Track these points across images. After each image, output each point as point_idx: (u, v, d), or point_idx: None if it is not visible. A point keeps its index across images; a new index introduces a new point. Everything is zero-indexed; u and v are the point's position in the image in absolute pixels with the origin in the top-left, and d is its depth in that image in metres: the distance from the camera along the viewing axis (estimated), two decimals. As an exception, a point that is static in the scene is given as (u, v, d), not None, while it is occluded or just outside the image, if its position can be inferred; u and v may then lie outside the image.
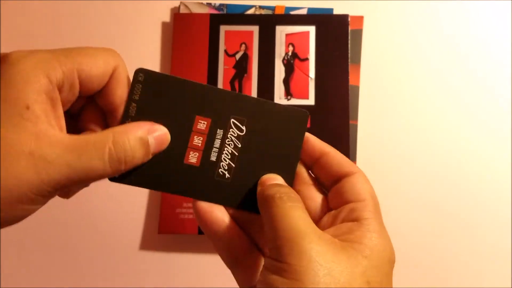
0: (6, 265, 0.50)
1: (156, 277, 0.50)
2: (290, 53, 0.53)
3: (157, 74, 0.26)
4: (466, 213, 0.51)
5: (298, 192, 0.27)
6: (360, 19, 0.55)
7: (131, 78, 0.26)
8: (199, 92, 0.27)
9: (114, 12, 0.56)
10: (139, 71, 0.26)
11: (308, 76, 0.52)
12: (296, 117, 0.28)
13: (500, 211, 0.51)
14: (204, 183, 0.27)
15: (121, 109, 0.26)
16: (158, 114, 0.26)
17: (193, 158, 0.26)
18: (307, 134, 0.28)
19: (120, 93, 0.26)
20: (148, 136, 0.25)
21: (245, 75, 0.52)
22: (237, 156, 0.27)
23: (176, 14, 0.55)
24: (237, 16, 0.54)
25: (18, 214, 0.23)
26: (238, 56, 0.53)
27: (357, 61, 0.54)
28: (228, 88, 0.51)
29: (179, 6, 0.55)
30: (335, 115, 0.51)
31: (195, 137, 0.26)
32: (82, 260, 0.51)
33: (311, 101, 0.52)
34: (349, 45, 0.53)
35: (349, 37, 0.53)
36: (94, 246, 0.51)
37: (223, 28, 0.54)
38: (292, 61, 0.53)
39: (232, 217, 0.27)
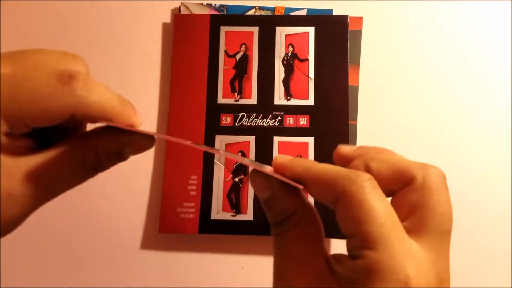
0: (6, 265, 0.50)
1: (157, 276, 0.50)
2: (289, 54, 0.53)
3: None
4: (466, 213, 0.52)
5: None
6: (359, 20, 0.55)
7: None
8: None
9: (115, 13, 0.56)
10: None
11: (307, 76, 0.53)
12: None
13: (500, 211, 0.52)
14: None
15: None
16: None
17: None
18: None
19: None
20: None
21: (245, 75, 0.52)
22: None
23: (176, 15, 0.55)
24: (237, 17, 0.55)
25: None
26: (238, 57, 0.53)
27: (357, 62, 0.54)
28: (228, 88, 0.52)
29: (180, 7, 0.55)
30: (334, 115, 0.52)
31: None
32: (83, 259, 0.51)
33: (310, 101, 0.52)
34: (348, 46, 0.53)
35: (349, 38, 0.53)
36: (95, 245, 0.51)
37: (223, 29, 0.54)
38: (291, 62, 0.53)
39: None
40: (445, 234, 0.24)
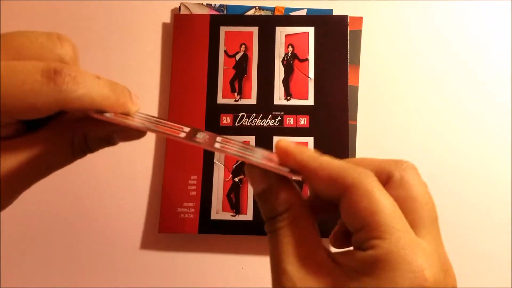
0: (6, 265, 0.50)
1: (157, 276, 0.50)
2: (289, 54, 0.53)
3: None
4: (466, 213, 0.51)
5: None
6: (359, 20, 0.55)
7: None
8: None
9: (115, 13, 0.56)
10: None
11: (307, 76, 0.53)
12: None
13: (500, 211, 0.52)
14: None
15: None
16: None
17: None
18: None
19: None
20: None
21: (245, 75, 0.52)
22: None
23: (176, 15, 0.55)
24: (237, 17, 0.55)
25: None
26: (238, 57, 0.53)
27: (356, 62, 0.54)
28: (228, 88, 0.52)
29: (180, 7, 0.55)
30: (334, 115, 0.52)
31: None
32: (83, 259, 0.51)
33: (310, 101, 0.52)
34: (348, 46, 0.53)
35: (348, 38, 0.53)
36: (94, 245, 0.51)
37: (223, 29, 0.54)
38: (291, 62, 0.53)
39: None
40: (435, 222, 0.24)
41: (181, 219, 0.50)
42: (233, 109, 0.51)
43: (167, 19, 0.56)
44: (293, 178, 0.22)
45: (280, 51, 0.53)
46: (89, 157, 0.25)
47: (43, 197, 0.51)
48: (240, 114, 0.51)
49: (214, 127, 0.51)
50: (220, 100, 0.52)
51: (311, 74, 0.53)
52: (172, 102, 0.52)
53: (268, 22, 0.54)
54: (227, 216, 0.50)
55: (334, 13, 0.55)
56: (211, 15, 0.54)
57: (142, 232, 0.51)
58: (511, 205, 0.51)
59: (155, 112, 0.54)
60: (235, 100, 0.51)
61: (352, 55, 0.54)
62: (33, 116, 0.21)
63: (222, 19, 0.54)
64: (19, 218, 0.51)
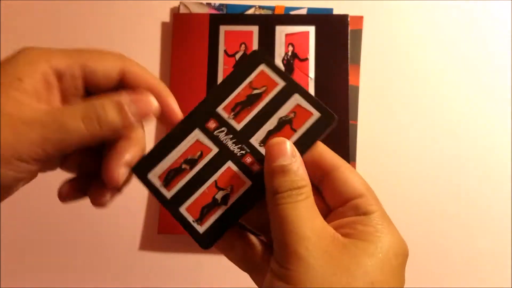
0: (6, 265, 0.50)
1: (156, 277, 0.50)
2: (289, 53, 0.53)
3: None
4: (466, 213, 0.51)
5: None
6: (359, 19, 0.55)
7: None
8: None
9: (114, 12, 0.56)
10: None
11: (308, 76, 0.52)
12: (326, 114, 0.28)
13: (500, 212, 0.51)
14: None
15: None
16: None
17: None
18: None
19: (144, 86, 0.27)
20: (124, 100, 0.25)
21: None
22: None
23: (175, 14, 0.55)
24: (237, 16, 0.54)
25: None
26: (238, 56, 0.53)
27: (357, 61, 0.54)
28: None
29: (179, 6, 0.55)
30: (334, 115, 0.51)
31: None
32: (82, 260, 0.51)
33: (310, 101, 0.52)
34: (348, 45, 0.53)
35: (349, 37, 0.53)
36: (94, 246, 0.51)
37: (223, 28, 0.54)
38: (291, 61, 0.53)
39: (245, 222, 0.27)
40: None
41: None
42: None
43: (167, 18, 0.56)
44: None
45: (280, 51, 0.53)
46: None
47: (43, 198, 0.51)
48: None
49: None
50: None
51: (312, 73, 0.52)
52: (172, 102, 0.52)
53: (268, 21, 0.54)
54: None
55: (334, 12, 0.54)
56: (211, 14, 0.54)
57: (141, 233, 0.51)
58: (511, 205, 0.51)
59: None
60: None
61: (353, 55, 0.54)
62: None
63: (221, 18, 0.54)
64: (19, 218, 0.51)
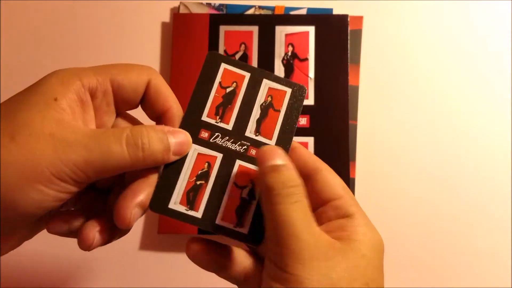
0: (6, 265, 0.50)
1: (156, 277, 0.50)
2: (289, 53, 0.53)
3: None
4: (466, 213, 0.51)
5: None
6: (359, 19, 0.55)
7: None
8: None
9: (114, 12, 0.56)
10: None
11: (307, 76, 0.52)
12: (296, 90, 0.30)
13: (500, 211, 0.51)
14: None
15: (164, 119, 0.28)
16: None
17: None
18: None
19: (162, 102, 0.28)
20: (168, 135, 0.26)
21: (245, 75, 0.52)
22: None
23: (175, 14, 0.55)
24: (237, 16, 0.54)
25: (36, 197, 0.22)
26: (237, 56, 0.53)
27: (357, 61, 0.54)
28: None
29: (179, 6, 0.55)
30: (334, 115, 0.51)
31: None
32: (82, 260, 0.51)
33: (310, 101, 0.52)
34: (348, 45, 0.53)
35: (349, 37, 0.53)
36: (94, 246, 0.51)
37: (223, 28, 0.54)
38: (291, 61, 0.53)
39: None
40: None
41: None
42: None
43: (167, 18, 0.56)
44: None
45: (280, 51, 0.53)
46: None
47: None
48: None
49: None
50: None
51: (311, 73, 0.52)
52: (172, 102, 0.52)
53: (268, 22, 0.54)
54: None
55: (334, 12, 0.54)
56: (211, 14, 0.54)
57: (142, 233, 0.51)
58: (511, 205, 0.51)
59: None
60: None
61: (353, 55, 0.54)
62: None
63: (221, 18, 0.54)
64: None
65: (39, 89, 0.24)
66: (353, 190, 0.51)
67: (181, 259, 0.51)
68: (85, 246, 0.26)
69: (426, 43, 0.55)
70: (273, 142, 0.29)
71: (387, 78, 0.54)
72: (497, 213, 0.51)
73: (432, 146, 0.53)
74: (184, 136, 0.27)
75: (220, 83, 0.29)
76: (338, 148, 0.51)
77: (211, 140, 0.28)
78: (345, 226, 0.26)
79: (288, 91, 0.30)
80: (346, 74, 0.52)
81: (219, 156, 0.28)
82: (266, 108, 0.29)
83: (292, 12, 0.54)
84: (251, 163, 0.28)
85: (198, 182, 0.27)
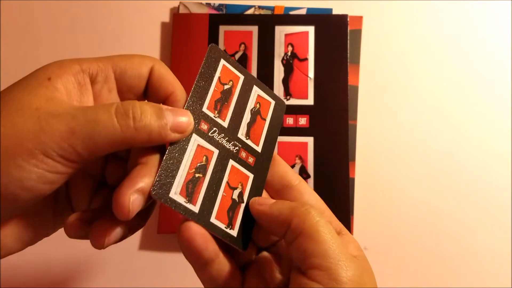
0: (6, 265, 0.50)
1: (156, 276, 0.50)
2: (289, 53, 0.53)
3: None
4: (466, 213, 0.51)
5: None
6: (359, 19, 0.55)
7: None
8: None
9: (114, 12, 0.56)
10: None
11: (307, 76, 0.52)
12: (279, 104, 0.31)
13: (500, 211, 0.51)
14: None
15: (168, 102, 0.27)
16: None
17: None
18: None
19: (166, 86, 0.27)
20: (166, 111, 0.24)
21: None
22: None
23: (175, 14, 0.55)
24: (236, 16, 0.54)
25: (16, 174, 0.20)
26: (237, 56, 0.53)
27: (356, 61, 0.54)
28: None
29: (179, 6, 0.55)
30: (334, 115, 0.51)
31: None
32: (82, 259, 0.51)
33: (310, 101, 0.52)
34: (348, 45, 0.53)
35: (348, 37, 0.53)
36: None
37: (223, 28, 0.54)
38: (291, 61, 0.53)
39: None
40: None
41: (180, 219, 0.50)
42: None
43: (166, 18, 0.56)
44: None
45: (279, 51, 0.53)
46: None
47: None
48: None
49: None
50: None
51: (311, 73, 0.52)
52: (171, 102, 0.52)
53: (267, 22, 0.54)
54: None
55: (334, 12, 0.54)
56: (210, 14, 0.54)
57: (141, 232, 0.51)
58: (511, 205, 0.51)
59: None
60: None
61: (352, 55, 0.54)
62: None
63: (221, 18, 0.54)
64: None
65: (36, 72, 0.23)
66: (352, 190, 0.51)
67: (181, 259, 0.51)
68: (98, 244, 0.24)
69: (425, 43, 0.55)
70: (259, 148, 0.29)
71: (387, 78, 0.54)
72: (497, 213, 0.51)
73: (432, 146, 0.53)
74: (185, 113, 0.25)
75: (219, 78, 0.28)
76: (337, 148, 0.51)
77: (209, 134, 0.27)
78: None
79: (272, 103, 0.30)
80: (346, 74, 0.52)
81: (216, 152, 0.27)
82: (255, 114, 0.29)
83: (291, 12, 0.54)
84: (241, 166, 0.28)
85: (197, 175, 0.26)
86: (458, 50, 0.55)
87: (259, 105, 0.30)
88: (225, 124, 0.28)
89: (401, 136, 0.53)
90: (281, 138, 0.50)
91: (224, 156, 0.27)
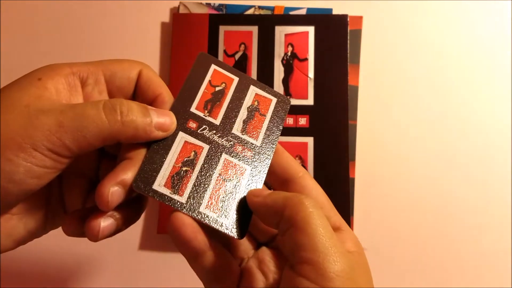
0: (6, 265, 0.50)
1: (156, 277, 0.50)
2: (289, 53, 0.53)
3: None
4: (466, 213, 0.51)
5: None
6: (359, 19, 0.55)
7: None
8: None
9: (114, 12, 0.56)
10: None
11: (307, 76, 0.52)
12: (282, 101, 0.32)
13: (500, 211, 0.51)
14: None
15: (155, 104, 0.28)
16: None
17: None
18: None
19: (153, 88, 0.28)
20: (151, 111, 0.25)
21: (244, 75, 0.52)
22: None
23: (175, 14, 0.55)
24: (237, 16, 0.54)
25: (5, 168, 0.21)
26: (237, 56, 0.53)
27: (356, 61, 0.54)
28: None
29: (179, 6, 0.55)
30: (334, 115, 0.51)
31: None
32: (82, 259, 0.51)
33: (310, 101, 0.52)
34: (348, 45, 0.53)
35: (348, 37, 0.53)
36: (93, 246, 0.51)
37: (223, 28, 0.54)
38: (291, 61, 0.53)
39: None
40: None
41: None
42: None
43: (166, 18, 0.56)
44: None
45: (279, 51, 0.53)
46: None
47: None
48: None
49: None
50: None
51: (311, 73, 0.52)
52: (171, 102, 0.52)
53: (267, 22, 0.54)
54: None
55: (334, 12, 0.54)
56: (210, 14, 0.54)
57: (141, 233, 0.51)
58: (511, 205, 0.51)
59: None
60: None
61: (352, 55, 0.54)
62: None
63: (221, 18, 0.54)
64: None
65: (28, 74, 0.24)
66: (352, 190, 0.51)
67: (181, 259, 0.51)
68: (92, 235, 0.25)
69: (425, 43, 0.55)
70: (258, 142, 0.30)
71: (387, 78, 0.54)
72: (497, 213, 0.51)
73: (432, 146, 0.53)
74: (168, 114, 0.27)
75: (210, 81, 0.30)
76: (337, 148, 0.51)
77: (198, 131, 0.28)
78: (341, 238, 0.26)
79: (274, 100, 0.31)
80: (346, 74, 0.52)
81: (206, 147, 0.28)
82: (252, 111, 0.31)
83: (291, 12, 0.54)
84: (236, 158, 0.29)
85: (184, 168, 0.27)
86: (458, 49, 0.55)
87: (257, 102, 0.31)
88: (217, 122, 0.29)
89: (401, 136, 0.53)
90: (281, 138, 0.50)
91: (216, 151, 0.28)
